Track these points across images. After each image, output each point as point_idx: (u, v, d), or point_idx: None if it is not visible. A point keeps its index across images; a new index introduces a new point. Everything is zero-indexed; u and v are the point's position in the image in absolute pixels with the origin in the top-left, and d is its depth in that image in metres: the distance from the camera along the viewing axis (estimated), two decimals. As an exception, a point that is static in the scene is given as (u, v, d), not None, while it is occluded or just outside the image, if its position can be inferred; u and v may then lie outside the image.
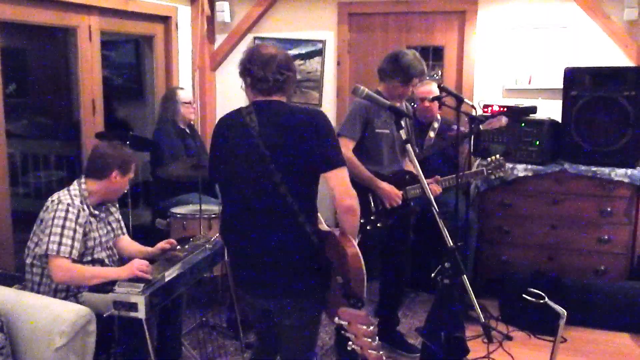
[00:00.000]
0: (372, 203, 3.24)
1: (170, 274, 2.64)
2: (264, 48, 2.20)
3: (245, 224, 2.18)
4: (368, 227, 3.21)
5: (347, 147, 3.15)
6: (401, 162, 3.38)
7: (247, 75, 2.18)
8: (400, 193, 3.23)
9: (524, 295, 2.57)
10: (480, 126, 3.71)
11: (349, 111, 3.28)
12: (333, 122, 3.50)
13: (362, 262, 2.10)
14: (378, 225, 3.23)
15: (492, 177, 3.61)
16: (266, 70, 2.13)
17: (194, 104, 4.48)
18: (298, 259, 2.14)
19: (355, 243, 2.14)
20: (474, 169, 3.83)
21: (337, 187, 2.11)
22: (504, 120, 3.72)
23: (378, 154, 3.25)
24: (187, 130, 4.26)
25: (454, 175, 3.45)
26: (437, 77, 4.80)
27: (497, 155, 3.58)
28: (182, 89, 4.38)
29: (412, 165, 2.36)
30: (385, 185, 3.21)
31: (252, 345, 2.59)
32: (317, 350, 3.46)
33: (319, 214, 2.27)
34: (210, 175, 2.37)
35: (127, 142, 3.58)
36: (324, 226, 2.27)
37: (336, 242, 2.14)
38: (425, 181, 2.38)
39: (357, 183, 3.22)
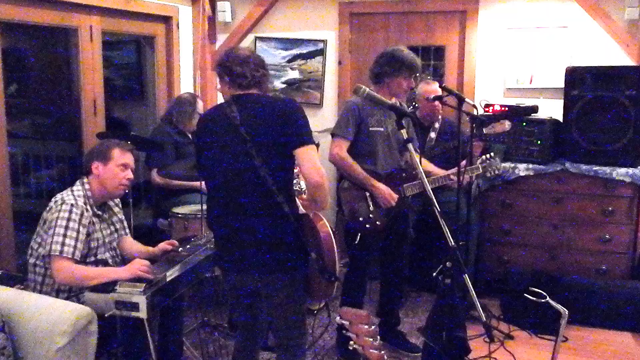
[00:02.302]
0: (370, 202, 3.24)
1: (171, 273, 2.64)
2: (238, 50, 2.44)
3: (229, 207, 2.33)
4: (367, 226, 3.21)
5: (341, 147, 3.16)
6: (398, 159, 3.38)
7: (225, 73, 2.36)
8: (395, 195, 3.23)
9: (525, 295, 2.57)
10: (484, 130, 3.71)
11: (341, 112, 3.28)
12: (334, 122, 3.50)
13: (334, 241, 2.29)
14: (377, 223, 3.23)
15: (488, 174, 3.62)
16: (244, 67, 2.33)
17: None
18: (279, 237, 2.29)
19: (326, 222, 2.31)
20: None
21: (305, 163, 2.24)
22: (507, 124, 3.71)
23: (374, 152, 3.24)
24: (189, 135, 4.27)
25: (451, 171, 3.45)
26: (435, 78, 4.79)
27: (491, 154, 3.59)
28: (200, 99, 4.39)
29: (414, 164, 2.37)
30: (381, 186, 3.20)
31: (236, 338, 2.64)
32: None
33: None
34: (199, 171, 2.54)
35: (128, 143, 3.57)
36: (300, 209, 2.43)
37: (310, 222, 2.34)
38: (426, 180, 2.38)
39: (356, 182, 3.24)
